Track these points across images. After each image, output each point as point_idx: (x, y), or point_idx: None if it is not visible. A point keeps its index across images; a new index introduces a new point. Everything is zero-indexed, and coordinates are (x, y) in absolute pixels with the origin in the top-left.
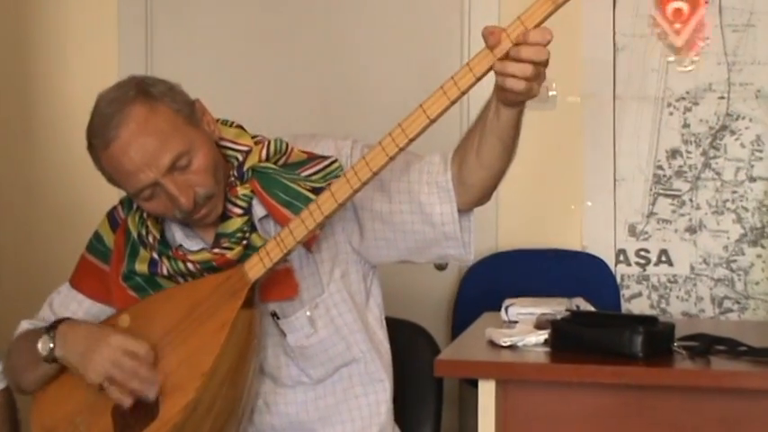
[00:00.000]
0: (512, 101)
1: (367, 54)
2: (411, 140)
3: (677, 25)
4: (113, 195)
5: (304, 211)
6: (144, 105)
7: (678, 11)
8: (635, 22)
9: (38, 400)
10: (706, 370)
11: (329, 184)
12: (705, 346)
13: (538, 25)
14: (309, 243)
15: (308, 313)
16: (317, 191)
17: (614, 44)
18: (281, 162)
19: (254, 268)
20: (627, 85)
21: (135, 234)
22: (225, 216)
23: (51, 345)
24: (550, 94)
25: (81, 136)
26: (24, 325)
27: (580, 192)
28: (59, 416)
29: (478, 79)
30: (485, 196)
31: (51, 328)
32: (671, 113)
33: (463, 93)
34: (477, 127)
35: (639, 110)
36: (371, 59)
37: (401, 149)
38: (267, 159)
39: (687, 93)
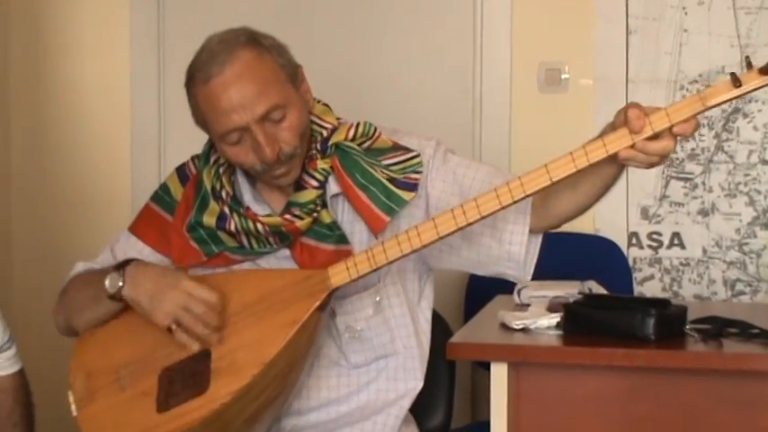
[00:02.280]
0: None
1: (379, 42)
2: (527, 196)
3: None
4: (126, 186)
5: (402, 234)
6: (252, 51)
7: None
8: (647, 5)
9: (83, 342)
10: (718, 352)
11: (434, 217)
12: (717, 328)
13: (683, 122)
14: (376, 227)
15: (377, 298)
16: (394, 181)
17: (627, 27)
18: (365, 145)
19: (339, 275)
20: (639, 67)
21: (209, 186)
22: (299, 186)
23: (121, 283)
24: (563, 77)
25: (93, 126)
26: (80, 266)
27: None
28: (102, 364)
29: (609, 156)
30: (560, 225)
31: (120, 267)
32: (683, 96)
33: (591, 165)
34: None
35: (652, 93)
36: (384, 48)
37: (515, 202)
38: (353, 140)
39: (700, 75)
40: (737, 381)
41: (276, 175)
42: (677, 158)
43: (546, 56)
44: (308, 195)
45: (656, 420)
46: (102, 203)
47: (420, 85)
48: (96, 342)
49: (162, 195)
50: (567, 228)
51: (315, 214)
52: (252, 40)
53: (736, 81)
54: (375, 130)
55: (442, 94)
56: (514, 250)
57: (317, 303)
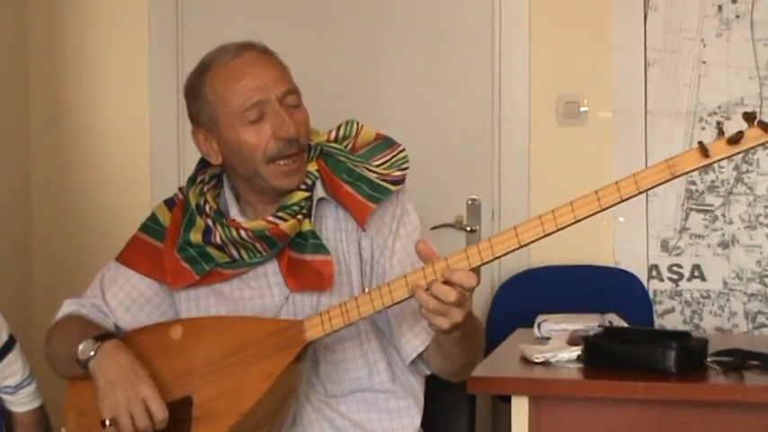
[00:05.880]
0: (435, 331)
1: (398, 76)
2: (496, 258)
3: None
4: (145, 197)
5: (375, 290)
6: (266, 52)
7: None
8: (666, 38)
9: (75, 380)
10: (740, 385)
11: (405, 275)
12: (739, 361)
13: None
14: (362, 216)
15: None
16: (381, 178)
17: (645, 59)
18: (349, 146)
19: (314, 329)
20: (658, 99)
21: (194, 204)
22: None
23: (92, 353)
24: (582, 109)
25: (113, 139)
26: (67, 306)
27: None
28: (94, 403)
29: (578, 221)
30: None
31: (100, 339)
32: (702, 128)
33: (559, 229)
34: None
35: (671, 125)
36: (402, 82)
37: (484, 263)
38: (335, 141)
39: (719, 107)
40: (759, 414)
41: (286, 168)
42: (697, 190)
43: (564, 89)
44: (296, 197)
45: None
46: (118, 216)
47: (438, 118)
48: (88, 382)
49: (150, 225)
50: (587, 260)
51: (299, 216)
52: (266, 48)
53: (704, 151)
54: (357, 125)
55: (460, 127)
56: (405, 351)
57: (292, 357)
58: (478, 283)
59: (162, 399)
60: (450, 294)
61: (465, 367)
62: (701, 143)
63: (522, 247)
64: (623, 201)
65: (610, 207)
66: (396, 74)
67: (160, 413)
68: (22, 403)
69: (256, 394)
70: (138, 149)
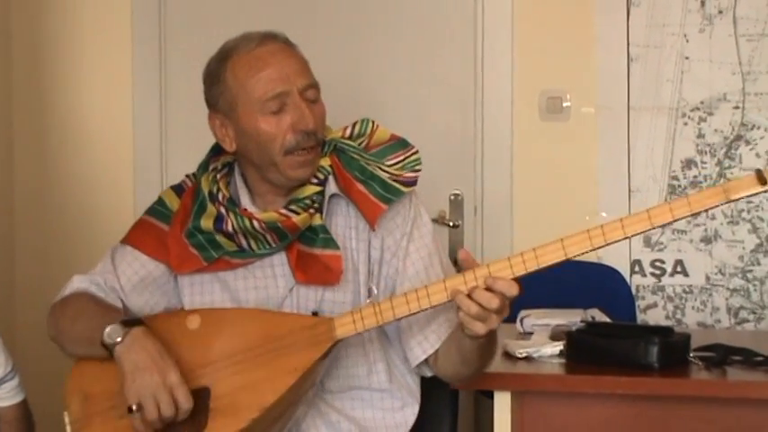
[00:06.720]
0: (469, 335)
1: (380, 71)
2: (540, 269)
3: None
4: (128, 198)
5: (412, 292)
6: (288, 43)
7: None
8: (649, 33)
9: (81, 363)
10: (722, 380)
11: (444, 279)
12: (721, 356)
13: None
14: (373, 216)
15: (375, 291)
16: (394, 178)
17: (628, 55)
18: (363, 144)
19: (345, 327)
20: (641, 95)
21: (206, 191)
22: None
23: (119, 339)
24: (564, 105)
25: (96, 141)
26: (77, 282)
27: (594, 202)
28: (100, 388)
29: (627, 237)
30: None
31: (128, 324)
32: (685, 123)
33: (607, 244)
34: (453, 335)
35: (654, 120)
36: (385, 76)
37: (528, 273)
38: (350, 138)
39: (701, 103)
40: (741, 409)
41: (301, 159)
42: (680, 186)
43: (547, 84)
44: (308, 191)
45: None
46: (102, 217)
47: (421, 113)
48: (94, 365)
49: (157, 208)
50: None
51: (311, 211)
52: (287, 39)
53: (761, 179)
54: (372, 124)
55: (443, 122)
56: (413, 353)
57: (320, 354)
58: (521, 293)
59: (188, 389)
60: (493, 301)
61: (476, 372)
62: (758, 171)
63: (568, 260)
64: (675, 221)
65: (661, 226)
66: (379, 69)
67: (186, 403)
68: (5, 398)
69: (281, 389)
70: (122, 150)
